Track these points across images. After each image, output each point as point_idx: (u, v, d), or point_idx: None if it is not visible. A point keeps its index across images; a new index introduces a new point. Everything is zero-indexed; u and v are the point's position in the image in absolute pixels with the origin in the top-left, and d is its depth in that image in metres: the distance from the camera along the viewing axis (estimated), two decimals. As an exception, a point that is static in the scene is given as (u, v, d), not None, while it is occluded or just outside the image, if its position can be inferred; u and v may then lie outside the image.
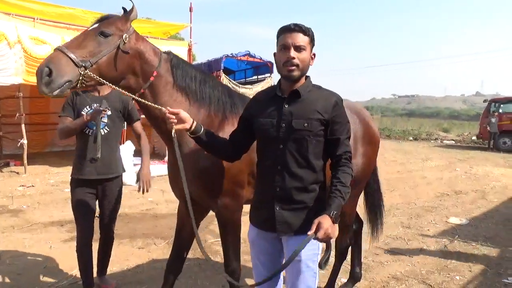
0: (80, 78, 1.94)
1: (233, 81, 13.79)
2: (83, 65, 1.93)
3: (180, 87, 2.28)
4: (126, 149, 8.15)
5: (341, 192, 1.78)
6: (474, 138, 21.15)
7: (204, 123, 2.19)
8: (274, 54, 1.94)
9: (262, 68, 14.87)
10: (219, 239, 2.68)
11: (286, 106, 1.88)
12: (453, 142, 22.03)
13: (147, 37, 9.97)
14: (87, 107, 3.04)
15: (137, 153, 9.75)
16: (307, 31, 1.84)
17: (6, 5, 8.48)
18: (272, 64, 14.24)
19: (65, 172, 8.89)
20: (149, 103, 2.15)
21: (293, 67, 1.82)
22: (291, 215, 1.88)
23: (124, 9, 2.16)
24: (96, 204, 3.16)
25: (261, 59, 14.16)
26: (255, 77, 15.47)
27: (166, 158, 9.86)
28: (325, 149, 1.92)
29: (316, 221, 1.69)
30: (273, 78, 14.26)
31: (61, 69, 1.89)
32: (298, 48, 1.82)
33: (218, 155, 2.14)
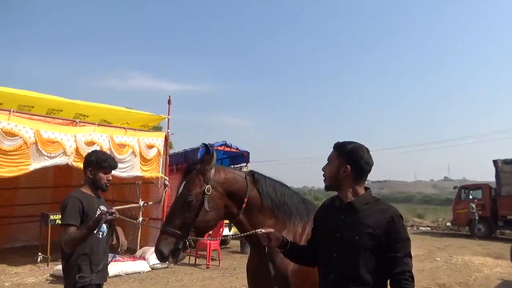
0: (187, 244, 2.24)
1: (209, 170, 13.71)
2: (183, 235, 2.23)
3: (267, 203, 2.49)
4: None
5: None
6: (449, 224, 21.30)
7: (289, 235, 2.43)
8: None
9: (238, 157, 14.98)
10: None
11: (342, 217, 1.93)
12: (429, 228, 22.07)
13: (125, 128, 10.09)
14: (98, 209, 2.99)
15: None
16: (336, 147, 2.04)
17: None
18: (248, 153, 14.41)
19: (24, 272, 8.15)
20: (245, 233, 2.37)
21: (324, 178, 2.06)
22: None
23: (202, 158, 2.42)
24: None
25: (237, 149, 14.34)
26: (231, 166, 15.55)
27: (137, 254, 9.37)
28: (384, 266, 1.84)
29: None
30: (249, 168, 14.34)
31: (167, 247, 2.21)
32: (327, 161, 2.06)
33: (302, 263, 2.22)
